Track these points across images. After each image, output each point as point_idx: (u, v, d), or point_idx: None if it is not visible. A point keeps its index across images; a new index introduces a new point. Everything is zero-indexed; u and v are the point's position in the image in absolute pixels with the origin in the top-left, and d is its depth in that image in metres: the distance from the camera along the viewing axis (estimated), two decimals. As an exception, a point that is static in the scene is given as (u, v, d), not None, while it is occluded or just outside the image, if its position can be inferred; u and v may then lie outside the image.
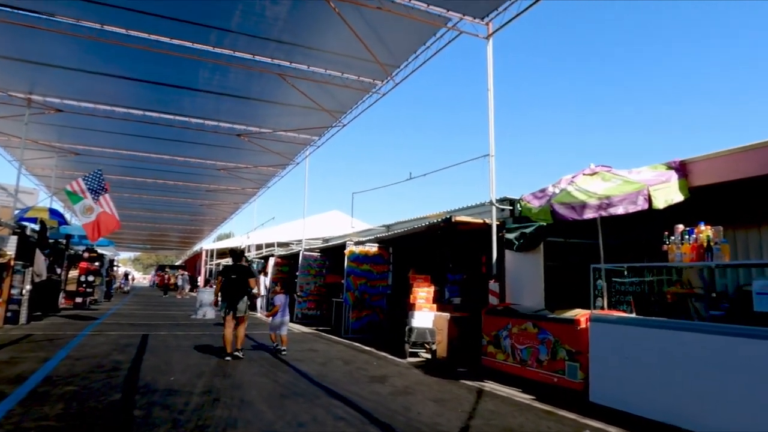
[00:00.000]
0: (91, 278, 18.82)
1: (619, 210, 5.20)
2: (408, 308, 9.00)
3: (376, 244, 12.47)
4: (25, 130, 12.06)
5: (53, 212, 12.37)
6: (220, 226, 35.68)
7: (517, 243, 7.66)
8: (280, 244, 25.70)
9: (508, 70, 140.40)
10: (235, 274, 7.90)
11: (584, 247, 8.38)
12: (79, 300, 18.50)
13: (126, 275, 38.68)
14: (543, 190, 6.39)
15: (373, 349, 9.59)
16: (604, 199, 5.32)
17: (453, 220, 8.04)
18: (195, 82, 11.35)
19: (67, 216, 14.84)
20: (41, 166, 18.35)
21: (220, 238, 44.86)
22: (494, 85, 8.53)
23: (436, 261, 11.47)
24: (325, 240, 19.20)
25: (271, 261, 19.65)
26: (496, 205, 8.19)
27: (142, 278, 79.82)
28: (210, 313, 15.77)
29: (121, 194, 24.19)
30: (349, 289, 11.97)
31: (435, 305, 8.77)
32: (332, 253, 15.91)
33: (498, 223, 8.23)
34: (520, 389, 6.16)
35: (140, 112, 13.06)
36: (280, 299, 8.67)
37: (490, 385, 6.40)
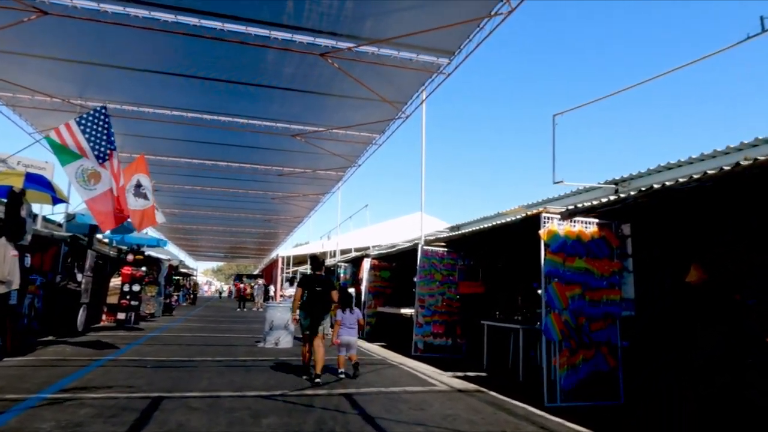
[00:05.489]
0: (136, 288, 14.38)
1: None
2: None
3: (595, 221, 6.38)
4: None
5: (34, 178, 7.28)
6: (296, 228, 31.14)
7: None
8: (374, 248, 20.35)
9: None
10: (320, 287, 6.75)
11: None
12: (121, 316, 14.14)
13: (195, 285, 35.55)
14: None
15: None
16: None
17: None
18: None
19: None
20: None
21: (297, 246, 40.93)
22: None
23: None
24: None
25: (366, 264, 14.14)
26: None
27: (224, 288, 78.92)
28: (285, 340, 10.42)
29: (182, 186, 20.03)
30: (553, 308, 5.93)
31: None
32: (474, 244, 9.99)
33: None
34: None
35: (171, 17, 8.02)
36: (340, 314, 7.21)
37: None
